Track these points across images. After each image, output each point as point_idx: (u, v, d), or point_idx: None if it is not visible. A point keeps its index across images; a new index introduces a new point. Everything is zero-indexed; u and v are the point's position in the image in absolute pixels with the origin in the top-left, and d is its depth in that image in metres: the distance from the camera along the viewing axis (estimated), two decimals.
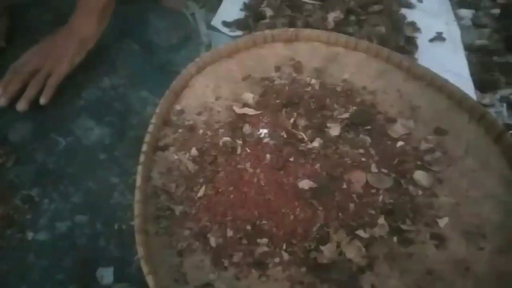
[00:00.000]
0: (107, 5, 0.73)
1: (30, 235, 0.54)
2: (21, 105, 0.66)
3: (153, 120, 0.61)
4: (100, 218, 0.56)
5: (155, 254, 0.49)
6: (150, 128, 0.60)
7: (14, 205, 0.56)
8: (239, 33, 0.89)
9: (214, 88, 0.68)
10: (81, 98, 0.68)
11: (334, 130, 0.59)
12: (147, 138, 0.59)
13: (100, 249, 0.53)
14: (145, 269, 0.46)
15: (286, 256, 0.49)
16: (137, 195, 0.53)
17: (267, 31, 0.72)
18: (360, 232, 0.50)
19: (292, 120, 0.60)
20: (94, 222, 0.55)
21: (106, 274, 0.51)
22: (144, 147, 0.58)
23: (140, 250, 0.47)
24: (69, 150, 0.61)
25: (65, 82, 0.70)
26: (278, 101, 0.64)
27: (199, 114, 0.65)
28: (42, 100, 0.67)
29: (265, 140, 0.59)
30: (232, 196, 0.54)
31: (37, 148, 0.61)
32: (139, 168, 0.55)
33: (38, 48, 0.73)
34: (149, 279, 0.45)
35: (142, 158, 0.57)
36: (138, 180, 0.54)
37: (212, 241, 0.51)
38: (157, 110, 0.62)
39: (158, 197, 0.56)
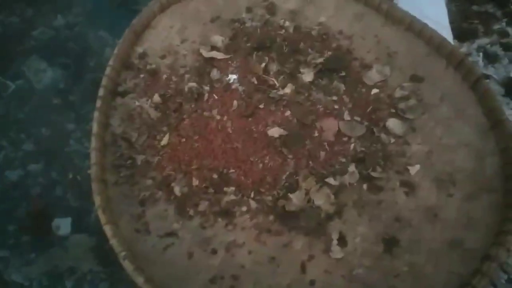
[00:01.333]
0: None
1: None
2: None
3: (111, 62, 0.56)
4: (55, 166, 0.52)
5: (114, 204, 0.46)
6: (108, 71, 0.55)
7: None
8: None
9: (180, 30, 0.62)
10: (32, 38, 0.62)
11: (307, 76, 0.55)
12: (104, 81, 0.54)
13: (56, 199, 0.50)
14: (102, 218, 0.43)
15: (253, 204, 0.47)
16: (94, 142, 0.49)
17: None
18: (330, 180, 0.48)
19: (263, 65, 0.56)
20: (48, 171, 0.52)
21: (62, 225, 0.48)
22: (101, 92, 0.53)
23: (98, 199, 0.44)
24: (19, 94, 0.56)
25: (11, 20, 0.63)
26: (249, 44, 0.59)
27: (162, 57, 0.60)
28: None
29: (234, 86, 0.55)
30: (197, 144, 0.51)
31: None
32: (96, 114, 0.51)
33: None
34: (107, 229, 0.42)
35: (99, 103, 0.52)
36: (95, 127, 0.50)
37: (177, 190, 0.48)
38: (116, 51, 0.57)
39: (117, 146, 0.52)
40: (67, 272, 0.46)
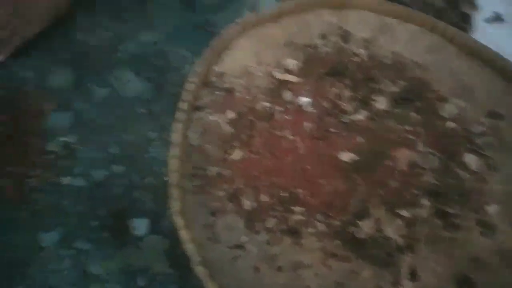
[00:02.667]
0: None
1: (66, 180, 0.54)
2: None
3: (192, 79, 0.59)
4: (135, 170, 0.56)
5: (189, 211, 0.48)
6: (189, 86, 0.59)
7: (52, 151, 0.56)
8: None
9: (255, 52, 0.65)
10: (120, 51, 0.67)
11: (381, 103, 0.56)
12: (185, 96, 0.57)
13: (134, 201, 0.53)
14: (179, 223, 0.45)
15: (321, 226, 0.47)
16: (173, 151, 0.52)
17: None
18: (402, 211, 0.47)
19: (336, 90, 0.57)
20: (129, 174, 0.55)
21: (139, 225, 0.51)
22: (182, 105, 0.57)
23: (175, 205, 0.47)
24: (108, 101, 0.61)
25: (104, 35, 0.69)
26: (322, 69, 0.61)
27: (238, 77, 0.63)
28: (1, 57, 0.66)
29: (306, 108, 0.57)
30: (268, 161, 0.53)
31: (76, 97, 0.61)
32: (177, 125, 0.54)
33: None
34: (183, 234, 0.44)
35: (179, 115, 0.56)
36: (175, 137, 0.53)
37: (246, 204, 0.50)
38: (197, 69, 0.61)
39: (193, 156, 0.55)
40: (140, 271, 0.49)
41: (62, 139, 0.58)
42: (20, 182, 0.54)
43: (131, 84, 0.63)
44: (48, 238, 0.51)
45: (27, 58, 0.64)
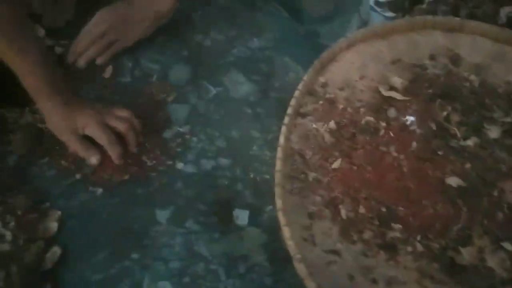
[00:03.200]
0: None
1: (180, 165, 0.61)
2: (80, 63, 0.73)
3: (299, 87, 0.63)
4: (239, 165, 0.60)
5: (288, 210, 0.51)
6: (296, 94, 0.62)
7: (168, 137, 0.63)
8: (391, 14, 0.86)
9: (361, 67, 0.67)
10: (232, 54, 0.73)
11: (493, 132, 0.54)
12: (292, 102, 0.61)
13: (238, 192, 0.58)
14: (282, 220, 0.48)
15: (420, 247, 0.48)
16: (279, 152, 0.56)
17: (429, 17, 0.68)
18: (506, 245, 0.46)
19: (445, 113, 0.57)
20: (234, 167, 0.60)
21: (241, 216, 0.55)
22: (289, 110, 0.60)
23: (279, 203, 0.50)
24: (218, 99, 0.67)
25: (218, 37, 0.76)
26: (430, 90, 0.61)
27: (341, 89, 0.65)
28: (98, 61, 0.72)
29: (412, 127, 0.57)
30: (369, 175, 0.54)
31: (191, 92, 0.68)
32: (284, 128, 0.58)
33: (112, 13, 0.73)
34: (285, 230, 0.47)
35: (286, 120, 0.59)
36: (281, 139, 0.57)
37: (343, 213, 0.52)
38: (305, 78, 0.64)
39: (294, 159, 0.58)
40: (241, 259, 0.53)
41: (178, 128, 0.64)
42: (141, 163, 0.61)
43: (241, 85, 0.68)
44: (162, 215, 0.57)
45: (153, 52, 0.72)
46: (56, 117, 0.62)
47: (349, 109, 0.63)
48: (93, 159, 0.63)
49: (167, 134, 0.64)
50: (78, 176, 0.63)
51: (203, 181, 0.59)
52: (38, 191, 0.60)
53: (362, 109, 0.62)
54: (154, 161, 0.62)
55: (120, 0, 0.74)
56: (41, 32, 0.76)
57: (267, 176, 0.60)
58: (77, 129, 0.63)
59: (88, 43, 0.72)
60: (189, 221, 0.55)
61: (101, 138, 0.62)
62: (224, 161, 0.61)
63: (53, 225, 0.56)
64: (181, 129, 0.64)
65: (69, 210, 0.59)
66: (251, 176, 0.59)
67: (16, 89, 0.61)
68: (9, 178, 0.62)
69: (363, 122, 0.60)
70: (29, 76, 0.59)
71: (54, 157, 0.65)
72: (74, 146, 0.64)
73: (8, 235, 0.54)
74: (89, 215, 0.59)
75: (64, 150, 0.65)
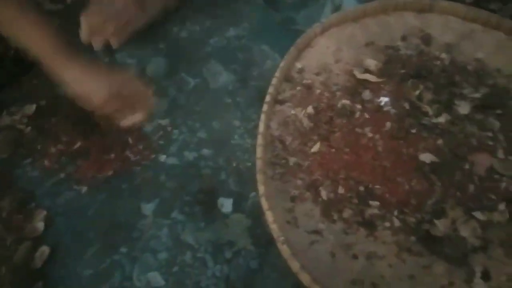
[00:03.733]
0: None
1: (162, 157, 0.61)
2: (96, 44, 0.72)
3: (276, 74, 0.64)
4: (222, 154, 0.61)
5: (271, 195, 0.53)
6: (274, 81, 0.63)
7: (150, 131, 0.63)
8: None
9: (335, 51, 0.68)
10: (209, 45, 0.73)
11: (463, 108, 0.57)
12: (270, 90, 0.62)
13: (221, 182, 0.59)
14: (264, 205, 0.50)
15: (397, 222, 0.50)
16: (259, 140, 0.57)
17: None
18: (477, 214, 0.49)
19: (417, 92, 0.59)
20: (217, 157, 0.61)
21: (226, 204, 0.56)
22: (268, 98, 0.61)
23: (261, 189, 0.51)
24: (198, 90, 0.67)
25: (194, 28, 0.76)
26: (403, 71, 0.62)
27: (317, 74, 0.66)
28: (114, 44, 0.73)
29: (386, 108, 0.59)
30: (347, 156, 0.56)
31: (170, 85, 0.68)
32: (262, 116, 0.59)
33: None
34: (269, 215, 0.49)
35: (265, 107, 0.60)
36: (261, 127, 0.58)
37: (323, 194, 0.53)
38: (281, 65, 0.65)
39: (274, 146, 0.59)
40: (227, 245, 0.54)
41: (159, 121, 0.65)
42: (124, 158, 0.62)
43: (219, 75, 0.69)
44: (148, 208, 0.58)
45: (129, 47, 0.72)
46: (92, 77, 0.59)
47: (326, 94, 0.64)
48: (139, 115, 0.62)
49: (149, 127, 0.65)
50: (62, 175, 0.63)
51: (186, 172, 0.60)
52: (23, 192, 0.60)
53: (338, 93, 0.63)
54: (137, 156, 0.62)
55: None
56: None
57: (250, 164, 0.61)
58: (113, 86, 0.60)
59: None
60: (175, 212, 0.57)
61: (146, 89, 0.62)
62: (206, 152, 0.62)
63: (40, 225, 0.57)
64: (162, 122, 0.65)
65: (55, 209, 0.60)
66: (234, 164, 0.61)
67: None
68: None
69: (339, 105, 0.61)
70: (50, 50, 0.58)
71: (36, 157, 0.66)
72: (116, 104, 0.61)
73: None
74: (76, 213, 0.59)
75: (46, 149, 0.66)
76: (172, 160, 0.61)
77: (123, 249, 0.57)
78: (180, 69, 0.70)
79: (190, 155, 0.61)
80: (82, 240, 0.57)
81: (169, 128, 0.64)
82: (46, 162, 0.65)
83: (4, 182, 0.63)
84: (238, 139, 0.63)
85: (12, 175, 0.64)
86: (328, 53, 0.68)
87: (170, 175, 0.60)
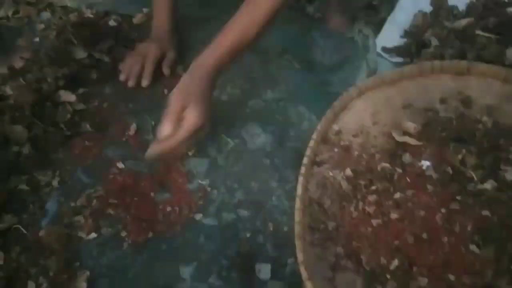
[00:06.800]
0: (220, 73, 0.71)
1: (202, 218, 0.63)
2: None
3: (313, 136, 0.65)
4: (259, 216, 0.62)
5: (310, 263, 0.52)
6: (311, 143, 0.64)
7: (190, 190, 0.66)
8: (398, 59, 0.89)
9: (373, 113, 0.69)
10: (248, 107, 0.77)
11: (511, 174, 0.54)
12: (308, 151, 0.63)
13: (258, 245, 0.59)
14: (304, 274, 0.49)
15: None
16: (298, 203, 0.57)
17: (436, 62, 0.70)
18: None
19: (460, 157, 0.58)
20: (254, 219, 0.62)
21: (263, 270, 0.56)
22: (305, 160, 0.62)
23: (300, 256, 0.51)
24: (236, 151, 0.70)
25: (234, 91, 0.80)
26: (443, 134, 0.62)
27: (355, 136, 0.66)
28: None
29: (428, 172, 0.58)
30: (388, 223, 0.54)
31: (210, 145, 0.71)
32: (300, 178, 0.59)
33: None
34: (309, 285, 0.47)
35: (303, 169, 0.61)
36: (299, 190, 0.58)
37: (365, 264, 0.52)
38: (318, 127, 0.66)
39: (313, 209, 0.59)
40: None
41: (199, 181, 0.67)
42: (164, 218, 0.64)
43: (257, 137, 0.71)
44: (186, 271, 0.58)
45: None
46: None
47: (364, 156, 0.64)
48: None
49: (190, 187, 0.67)
50: (106, 235, 0.65)
51: (224, 234, 0.60)
52: (69, 251, 0.63)
53: (377, 155, 0.63)
54: (178, 216, 0.64)
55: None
56: None
57: (287, 227, 0.61)
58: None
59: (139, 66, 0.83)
60: (212, 277, 0.56)
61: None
62: (244, 213, 0.62)
63: (82, 286, 0.58)
64: (202, 182, 0.67)
65: (98, 270, 0.61)
66: (271, 228, 0.61)
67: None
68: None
69: (379, 168, 0.61)
70: None
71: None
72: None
73: None
74: (118, 274, 0.60)
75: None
76: (211, 221, 0.62)
77: None
78: (220, 130, 0.73)
79: (228, 216, 0.62)
80: None
81: (208, 189, 0.66)
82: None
83: None
84: (276, 201, 0.63)
85: None
86: (366, 115, 0.69)
87: (209, 236, 0.61)
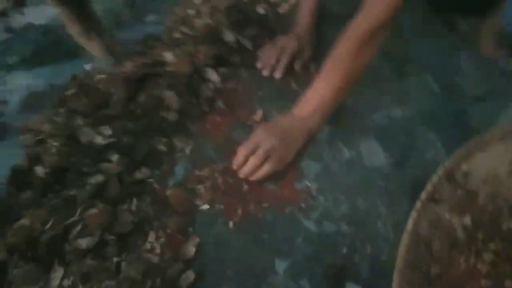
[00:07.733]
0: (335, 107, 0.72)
1: (305, 221, 0.65)
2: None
3: (439, 172, 0.61)
4: (360, 236, 0.62)
5: None
6: (434, 178, 0.61)
7: (297, 189, 0.69)
8: None
9: (511, 162, 0.62)
10: (371, 120, 0.75)
11: None
12: (428, 187, 0.60)
13: (353, 264, 0.60)
14: None
15: None
16: (405, 238, 0.56)
17: None
18: None
19: None
20: (354, 237, 0.62)
21: None
22: (423, 195, 0.59)
23: None
24: (351, 163, 0.70)
25: (359, 100, 0.79)
26: None
27: (485, 182, 0.61)
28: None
29: None
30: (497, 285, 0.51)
31: (326, 151, 0.72)
32: (413, 213, 0.58)
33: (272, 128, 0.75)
34: None
35: (418, 205, 0.59)
36: (409, 225, 0.57)
37: None
38: (446, 163, 0.62)
39: (420, 247, 0.57)
40: None
41: (307, 183, 0.69)
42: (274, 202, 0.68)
43: (375, 154, 0.70)
44: (281, 265, 0.62)
45: None
46: None
47: (490, 207, 0.59)
48: None
49: (297, 185, 0.69)
50: (216, 209, 0.70)
51: (322, 243, 0.62)
52: (188, 215, 0.70)
53: (505, 211, 0.58)
54: (283, 210, 0.67)
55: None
56: None
57: (386, 256, 0.60)
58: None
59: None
60: (304, 280, 0.59)
61: None
62: (345, 228, 0.63)
63: (192, 250, 0.66)
64: (310, 184, 0.69)
65: (205, 239, 0.67)
66: (369, 250, 0.61)
67: None
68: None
69: (504, 226, 0.56)
70: None
71: None
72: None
73: (158, 250, 0.65)
74: (222, 248, 0.66)
75: None
76: (312, 225, 0.64)
77: None
78: (338, 138, 0.73)
79: (329, 227, 0.63)
80: (220, 276, 0.63)
81: (314, 193, 0.68)
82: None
83: None
84: (380, 225, 0.63)
85: None
86: (503, 162, 0.63)
87: (307, 240, 0.63)
